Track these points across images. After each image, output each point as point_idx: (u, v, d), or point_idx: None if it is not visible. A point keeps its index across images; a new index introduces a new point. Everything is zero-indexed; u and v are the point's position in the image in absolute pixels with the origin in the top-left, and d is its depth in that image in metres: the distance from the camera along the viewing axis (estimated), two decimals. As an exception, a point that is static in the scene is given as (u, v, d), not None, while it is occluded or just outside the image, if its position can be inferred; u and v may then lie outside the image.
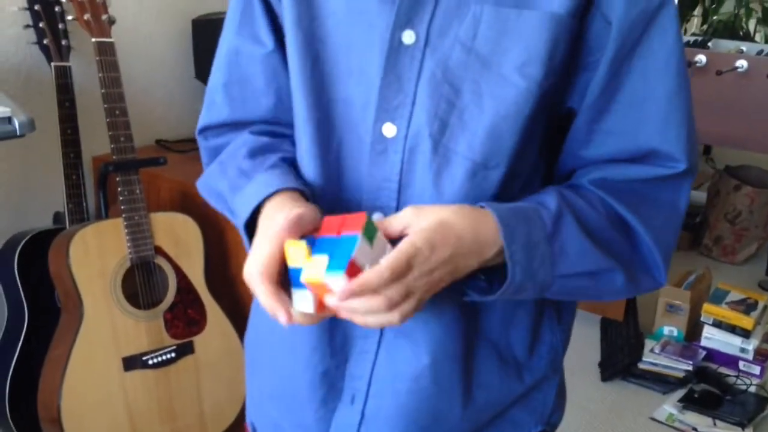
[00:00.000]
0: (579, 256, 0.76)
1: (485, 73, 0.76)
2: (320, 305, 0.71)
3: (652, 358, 2.71)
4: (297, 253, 0.71)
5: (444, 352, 0.83)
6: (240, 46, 0.90)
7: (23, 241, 1.90)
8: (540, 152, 0.85)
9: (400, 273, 0.68)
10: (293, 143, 0.89)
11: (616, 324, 2.89)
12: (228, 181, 0.87)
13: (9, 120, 1.54)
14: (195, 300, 1.93)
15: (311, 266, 0.70)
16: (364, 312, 0.69)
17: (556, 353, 0.92)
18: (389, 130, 0.79)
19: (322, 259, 0.69)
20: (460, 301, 0.81)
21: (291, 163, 0.87)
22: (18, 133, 1.56)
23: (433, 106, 0.77)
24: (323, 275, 0.68)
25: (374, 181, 0.80)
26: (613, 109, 0.79)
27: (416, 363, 0.83)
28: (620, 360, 2.71)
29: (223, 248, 2.05)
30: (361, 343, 0.85)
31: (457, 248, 0.71)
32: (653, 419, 2.42)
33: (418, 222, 0.71)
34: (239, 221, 0.83)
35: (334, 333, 0.86)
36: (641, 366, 2.68)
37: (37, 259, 1.89)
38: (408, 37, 0.77)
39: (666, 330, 2.84)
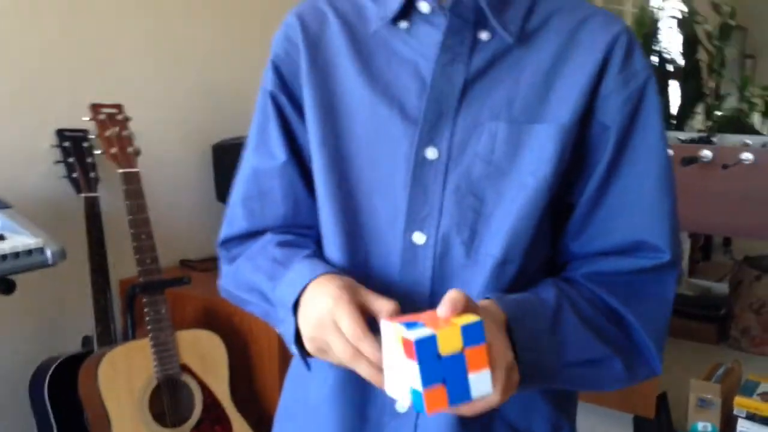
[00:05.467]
0: (581, 345, 0.81)
1: (504, 181, 0.84)
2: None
3: (688, 455, 2.64)
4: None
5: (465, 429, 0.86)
6: (257, 163, 0.96)
7: (53, 367, 1.95)
8: (549, 246, 0.92)
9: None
10: (314, 242, 0.94)
11: (649, 422, 2.83)
12: (263, 272, 0.91)
13: (41, 250, 1.63)
14: (221, 416, 1.95)
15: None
16: None
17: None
18: (419, 238, 0.86)
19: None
20: None
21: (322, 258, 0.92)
22: (50, 263, 1.64)
23: (460, 215, 0.85)
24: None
25: (405, 286, 0.86)
26: (606, 204, 0.87)
27: None
28: (655, 459, 2.64)
29: (247, 363, 2.09)
30: (395, 424, 0.87)
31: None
32: None
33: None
34: (285, 303, 0.83)
35: (365, 414, 0.88)
36: (677, 465, 2.61)
37: (66, 383, 1.94)
38: (431, 153, 0.85)
39: (700, 426, 2.77)
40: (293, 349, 0.85)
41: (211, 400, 1.94)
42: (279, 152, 0.95)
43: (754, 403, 2.62)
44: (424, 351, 0.66)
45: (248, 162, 0.98)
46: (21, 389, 2.04)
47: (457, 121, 0.85)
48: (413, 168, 0.85)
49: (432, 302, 0.84)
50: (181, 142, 2.50)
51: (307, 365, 0.87)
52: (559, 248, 0.92)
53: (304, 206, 0.95)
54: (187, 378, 1.92)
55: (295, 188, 0.95)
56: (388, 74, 0.89)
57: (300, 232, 0.97)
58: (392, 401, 0.87)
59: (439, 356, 0.66)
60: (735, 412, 2.66)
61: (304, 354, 0.83)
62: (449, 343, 0.67)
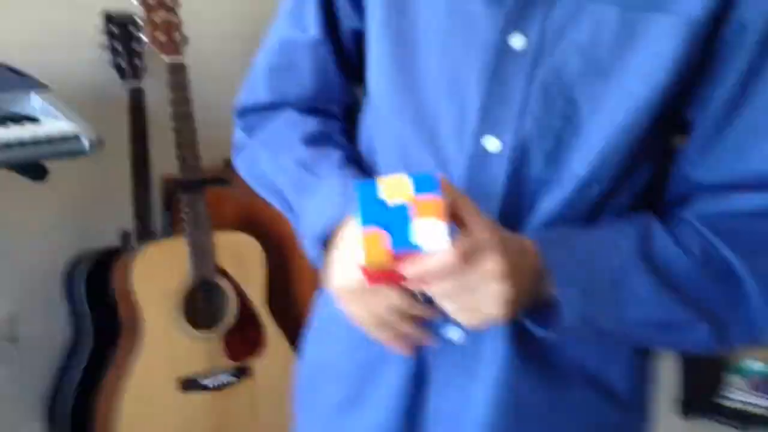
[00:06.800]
0: (649, 304, 0.68)
1: (605, 84, 0.69)
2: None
3: (736, 393, 2.56)
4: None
5: (526, 381, 0.76)
6: (287, 33, 0.88)
7: (90, 260, 1.92)
8: (651, 171, 0.76)
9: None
10: (341, 128, 0.87)
11: (697, 356, 2.74)
12: (288, 176, 0.83)
13: (77, 138, 1.55)
14: (255, 322, 1.91)
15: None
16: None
17: (651, 387, 0.84)
18: (492, 143, 0.72)
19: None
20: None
21: (354, 160, 0.84)
22: (87, 151, 1.56)
23: (545, 120, 0.70)
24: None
25: (472, 198, 0.72)
26: (735, 124, 0.70)
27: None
28: (701, 395, 2.57)
29: (285, 270, 2.03)
30: (448, 354, 0.78)
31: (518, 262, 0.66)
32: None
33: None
34: (310, 230, 0.77)
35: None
36: (723, 401, 2.54)
37: (103, 277, 1.90)
38: (517, 41, 0.70)
39: (750, 362, 2.68)
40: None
41: (245, 306, 1.89)
42: (312, 27, 0.85)
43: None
44: (365, 193, 0.63)
45: (278, 30, 0.89)
46: (57, 279, 2.01)
47: (554, 2, 0.68)
48: (493, 58, 0.70)
49: (501, 221, 0.71)
50: (230, 35, 2.38)
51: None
52: (676, 177, 0.76)
53: (333, 86, 0.87)
54: (222, 281, 1.87)
55: (326, 67, 0.86)
56: None
57: (325, 108, 0.88)
58: (442, 331, 0.77)
59: (382, 202, 0.62)
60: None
61: None
62: (395, 190, 0.62)
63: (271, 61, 0.90)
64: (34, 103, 1.60)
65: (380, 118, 0.81)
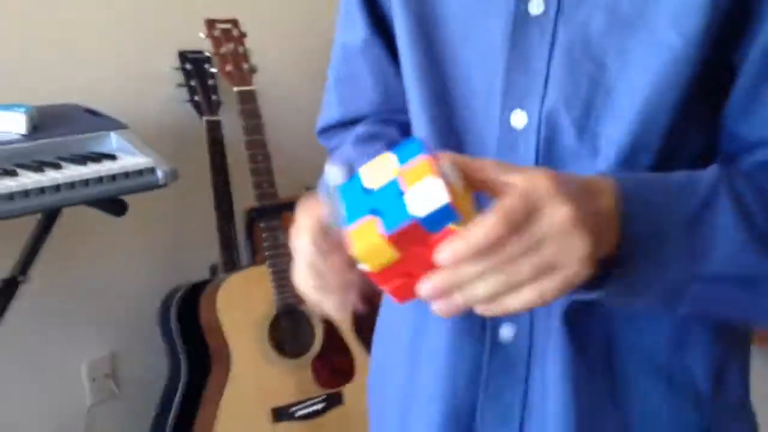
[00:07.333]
0: (732, 251, 0.57)
1: (633, 38, 0.62)
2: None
3: None
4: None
5: (589, 386, 0.68)
6: (344, 37, 0.85)
7: (179, 294, 1.93)
8: (707, 131, 0.67)
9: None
10: (402, 127, 0.82)
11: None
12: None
13: (152, 170, 1.56)
14: (343, 348, 1.86)
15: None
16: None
17: (746, 383, 0.73)
18: (518, 119, 0.66)
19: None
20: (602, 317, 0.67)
21: None
22: (161, 183, 1.57)
23: (572, 85, 0.64)
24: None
25: None
26: None
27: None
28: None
29: (372, 293, 1.98)
30: (503, 355, 0.71)
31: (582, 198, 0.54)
32: None
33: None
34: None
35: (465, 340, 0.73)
36: None
37: (194, 311, 1.91)
38: (535, 5, 0.64)
39: None
40: None
41: (332, 331, 1.85)
42: (361, 26, 0.81)
43: None
44: (348, 191, 0.54)
45: (338, 37, 0.86)
46: (153, 316, 2.04)
47: None
48: (512, 26, 0.65)
49: None
50: (299, 60, 2.38)
51: None
52: (721, 135, 0.67)
53: (396, 88, 0.81)
54: (307, 308, 1.83)
55: (383, 68, 0.82)
56: None
57: (392, 118, 0.83)
58: (495, 328, 0.71)
59: (369, 191, 0.53)
60: None
61: None
62: (380, 172, 0.53)
63: (336, 72, 0.88)
64: (113, 142, 1.63)
65: (412, 102, 0.76)
